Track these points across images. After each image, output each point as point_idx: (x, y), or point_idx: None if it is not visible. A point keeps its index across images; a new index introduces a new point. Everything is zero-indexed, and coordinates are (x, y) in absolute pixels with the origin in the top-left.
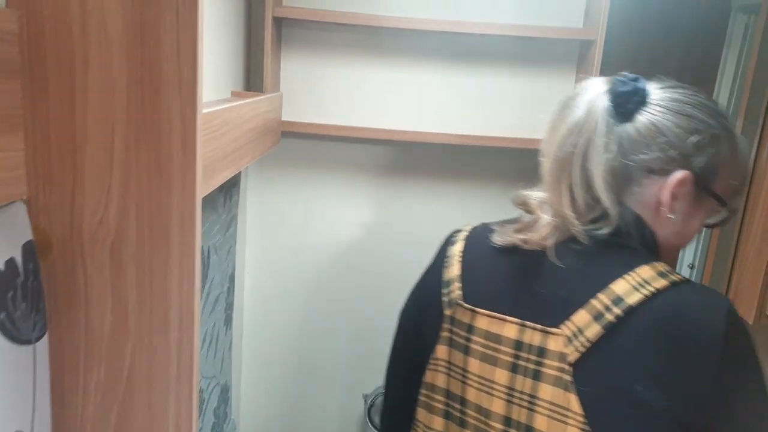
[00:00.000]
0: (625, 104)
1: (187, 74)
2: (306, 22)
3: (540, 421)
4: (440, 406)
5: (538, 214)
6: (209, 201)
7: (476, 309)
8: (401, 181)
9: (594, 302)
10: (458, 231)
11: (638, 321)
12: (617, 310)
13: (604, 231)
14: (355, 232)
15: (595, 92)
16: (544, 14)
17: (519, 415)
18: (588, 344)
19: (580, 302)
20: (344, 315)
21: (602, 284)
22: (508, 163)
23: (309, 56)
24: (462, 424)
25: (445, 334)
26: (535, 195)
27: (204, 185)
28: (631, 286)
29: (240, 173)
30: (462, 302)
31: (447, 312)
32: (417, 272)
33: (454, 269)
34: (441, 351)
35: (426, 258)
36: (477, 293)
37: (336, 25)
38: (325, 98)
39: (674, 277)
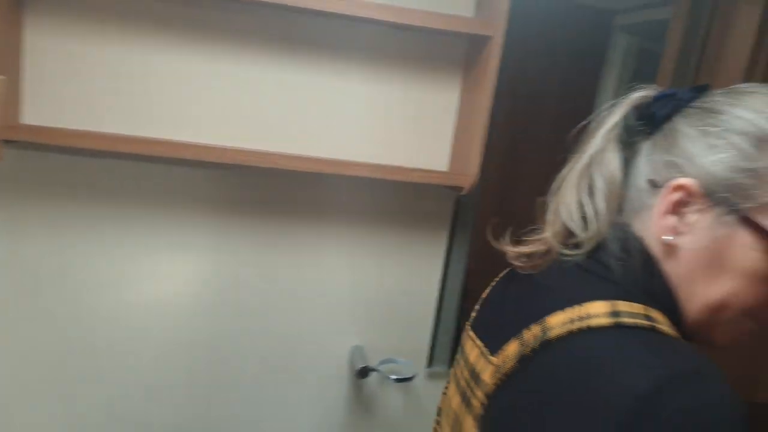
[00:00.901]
0: (658, 109)
1: None
2: None
3: None
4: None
5: (542, 227)
6: None
7: (469, 330)
8: (218, 219)
9: (525, 333)
10: None
11: (544, 361)
12: (536, 344)
13: (580, 252)
14: (145, 291)
15: (630, 97)
16: None
17: None
18: (504, 378)
19: (517, 331)
20: (129, 412)
21: (543, 315)
22: (371, 196)
23: (70, 29)
24: None
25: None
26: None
27: None
28: (567, 320)
29: None
30: (468, 324)
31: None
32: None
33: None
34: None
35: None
36: (478, 315)
37: None
38: (94, 93)
39: (630, 320)
